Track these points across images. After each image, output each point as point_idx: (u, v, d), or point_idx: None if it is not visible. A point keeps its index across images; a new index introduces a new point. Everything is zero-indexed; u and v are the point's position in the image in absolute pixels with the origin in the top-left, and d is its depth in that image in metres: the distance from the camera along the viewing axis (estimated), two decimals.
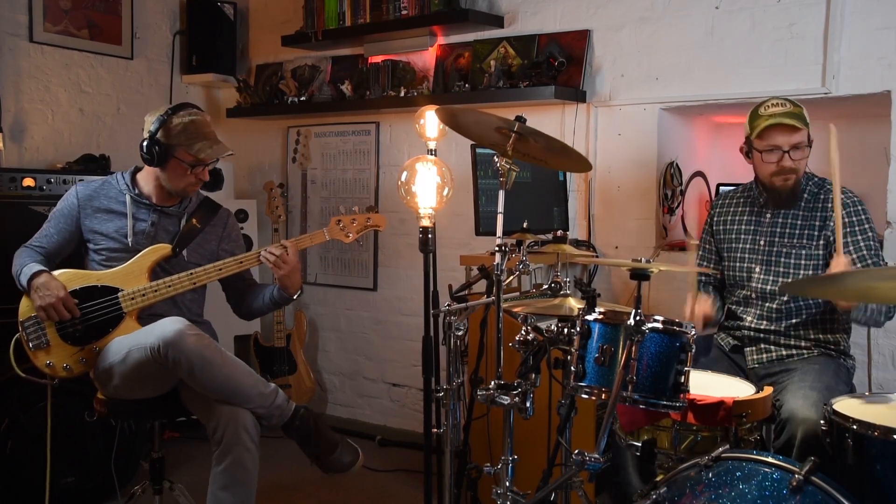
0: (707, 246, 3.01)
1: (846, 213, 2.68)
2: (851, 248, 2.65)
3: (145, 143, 2.75)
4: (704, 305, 2.82)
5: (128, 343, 2.63)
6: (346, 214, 2.89)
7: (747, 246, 2.84)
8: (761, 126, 2.66)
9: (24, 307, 2.72)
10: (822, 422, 2.12)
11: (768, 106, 2.69)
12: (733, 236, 2.89)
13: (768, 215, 2.81)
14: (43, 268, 2.72)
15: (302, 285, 2.89)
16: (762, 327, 2.78)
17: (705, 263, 2.99)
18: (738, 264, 2.85)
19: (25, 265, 2.74)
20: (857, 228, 2.68)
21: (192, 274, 2.76)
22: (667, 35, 3.52)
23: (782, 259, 2.76)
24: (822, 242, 2.71)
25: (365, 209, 2.95)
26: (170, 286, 2.75)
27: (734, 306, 2.89)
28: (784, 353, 2.75)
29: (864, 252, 2.66)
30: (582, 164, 2.49)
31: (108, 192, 2.87)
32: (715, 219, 2.97)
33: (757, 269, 2.80)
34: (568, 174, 3.76)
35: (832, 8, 3.14)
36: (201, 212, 2.94)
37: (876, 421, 1.97)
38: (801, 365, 2.68)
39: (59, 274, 2.73)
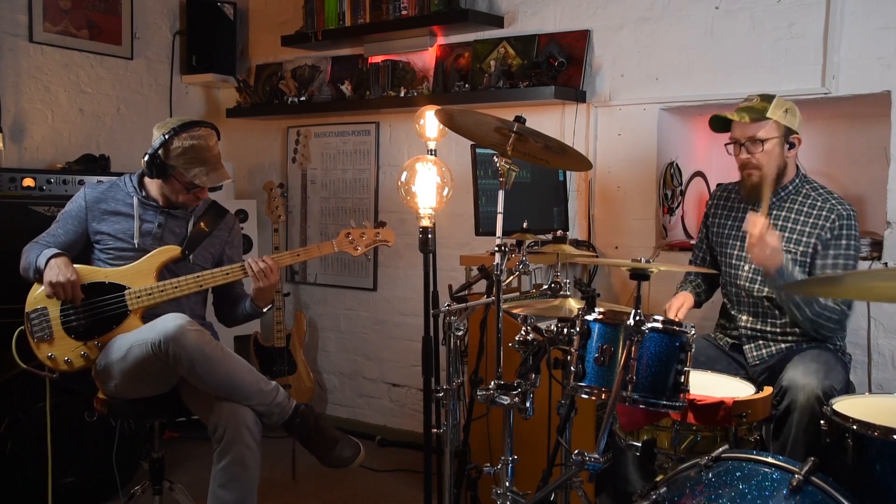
0: (702, 245, 3.03)
1: (839, 224, 2.66)
2: (830, 260, 2.65)
3: (146, 159, 2.78)
4: (682, 306, 2.85)
5: (129, 340, 2.64)
6: (356, 227, 2.92)
7: (738, 242, 2.84)
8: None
9: (32, 298, 2.75)
10: (822, 422, 2.12)
11: (742, 101, 2.75)
12: (725, 231, 2.90)
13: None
14: (63, 253, 2.76)
15: (272, 300, 2.96)
16: (758, 327, 2.79)
17: (699, 263, 3.01)
18: (729, 260, 2.87)
19: (44, 249, 2.77)
20: (842, 242, 2.66)
21: (198, 277, 2.79)
22: (667, 35, 3.52)
23: None
24: (809, 251, 2.69)
25: (376, 223, 2.97)
26: (176, 287, 2.77)
27: (728, 303, 2.90)
28: (783, 346, 2.75)
29: (841, 264, 2.65)
30: (582, 163, 2.48)
31: (116, 194, 2.89)
32: (710, 218, 2.99)
33: (746, 268, 2.80)
34: (568, 174, 3.76)
35: (832, 8, 3.14)
36: (209, 215, 2.96)
37: (876, 421, 1.97)
38: (800, 350, 2.70)
39: None
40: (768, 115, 2.65)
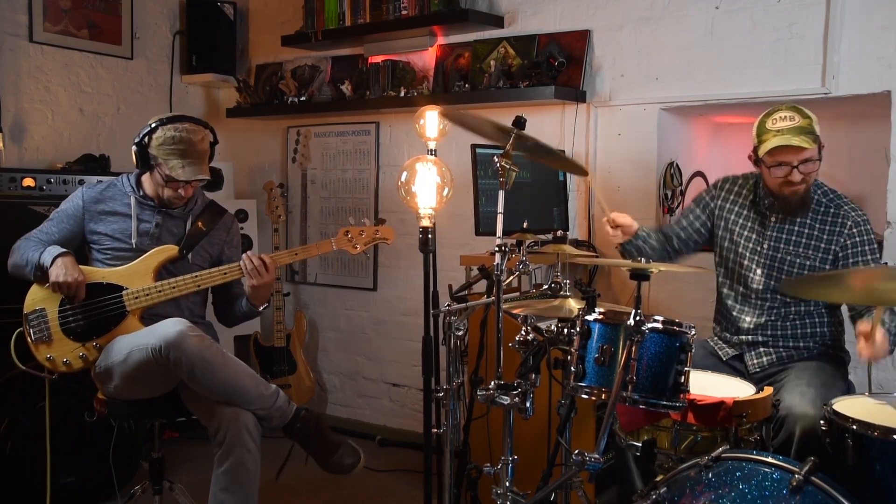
0: (691, 218, 2.93)
1: (857, 231, 2.65)
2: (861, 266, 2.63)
3: (133, 151, 2.80)
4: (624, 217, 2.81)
5: (129, 343, 2.64)
6: (356, 225, 2.91)
7: (749, 244, 2.80)
8: (770, 144, 2.58)
9: (30, 299, 2.74)
10: (821, 422, 2.12)
11: (776, 119, 2.60)
12: (736, 229, 2.83)
13: (773, 219, 2.76)
14: (70, 251, 2.75)
15: (269, 299, 2.94)
16: (761, 329, 2.77)
17: (682, 236, 2.94)
18: (738, 259, 2.82)
19: (48, 247, 2.75)
20: (867, 248, 2.66)
21: (196, 277, 2.78)
22: (667, 35, 3.52)
23: (785, 267, 2.72)
24: (829, 257, 2.68)
25: (375, 221, 2.96)
26: (174, 287, 2.76)
27: (731, 302, 2.85)
28: (784, 354, 2.74)
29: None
30: (577, 170, 2.45)
31: (114, 194, 2.88)
32: (718, 204, 2.89)
33: (758, 272, 2.77)
34: (567, 175, 3.76)
35: (832, 8, 3.14)
36: (207, 215, 2.95)
37: (876, 421, 1.98)
38: (799, 363, 2.68)
39: None
40: (818, 133, 2.60)
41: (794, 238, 2.73)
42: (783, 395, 2.48)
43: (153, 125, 2.77)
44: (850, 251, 2.65)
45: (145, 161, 2.79)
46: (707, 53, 3.43)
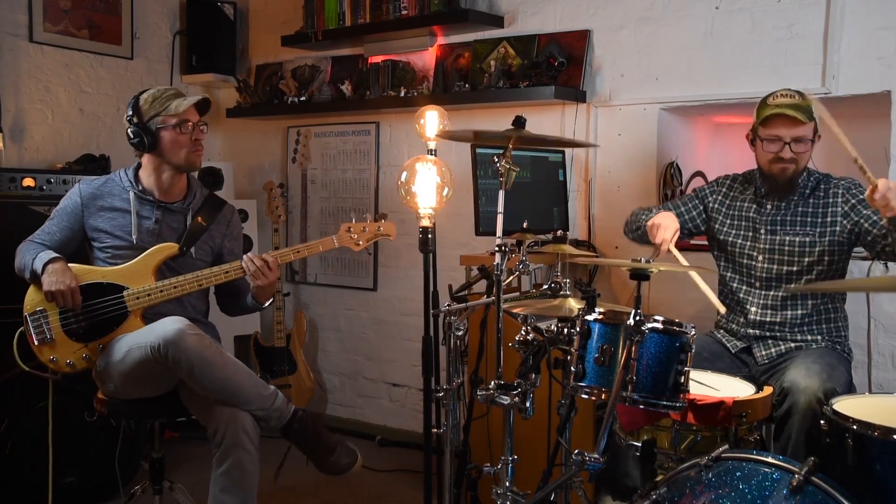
0: (689, 206, 3.00)
1: (850, 194, 2.73)
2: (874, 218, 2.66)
3: (130, 132, 2.78)
4: (676, 233, 2.82)
5: (128, 342, 2.63)
6: (357, 222, 2.89)
7: (749, 233, 2.85)
8: (765, 114, 2.70)
9: (31, 300, 2.73)
10: (822, 407, 2.12)
11: (777, 96, 2.72)
12: (735, 222, 2.89)
13: (769, 206, 2.82)
14: (60, 256, 2.74)
15: (273, 295, 2.95)
16: (767, 319, 2.79)
17: (682, 210, 3.00)
18: (738, 251, 2.87)
19: (41, 251, 2.75)
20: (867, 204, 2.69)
21: (198, 276, 2.77)
22: (667, 35, 3.52)
23: (786, 247, 2.78)
24: (826, 230, 2.73)
25: (376, 217, 2.96)
26: (175, 287, 2.75)
27: (736, 285, 2.89)
28: (792, 345, 2.77)
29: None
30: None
31: (112, 189, 2.86)
32: (718, 199, 2.96)
33: (760, 259, 2.81)
34: (568, 175, 3.76)
35: (832, 8, 3.15)
36: (206, 209, 2.94)
37: (876, 421, 1.98)
38: (805, 350, 2.72)
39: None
40: (815, 114, 2.68)
41: (789, 218, 2.79)
42: (788, 374, 2.52)
43: (133, 100, 2.79)
44: (860, 212, 2.69)
45: (147, 132, 2.76)
46: (707, 53, 3.43)
